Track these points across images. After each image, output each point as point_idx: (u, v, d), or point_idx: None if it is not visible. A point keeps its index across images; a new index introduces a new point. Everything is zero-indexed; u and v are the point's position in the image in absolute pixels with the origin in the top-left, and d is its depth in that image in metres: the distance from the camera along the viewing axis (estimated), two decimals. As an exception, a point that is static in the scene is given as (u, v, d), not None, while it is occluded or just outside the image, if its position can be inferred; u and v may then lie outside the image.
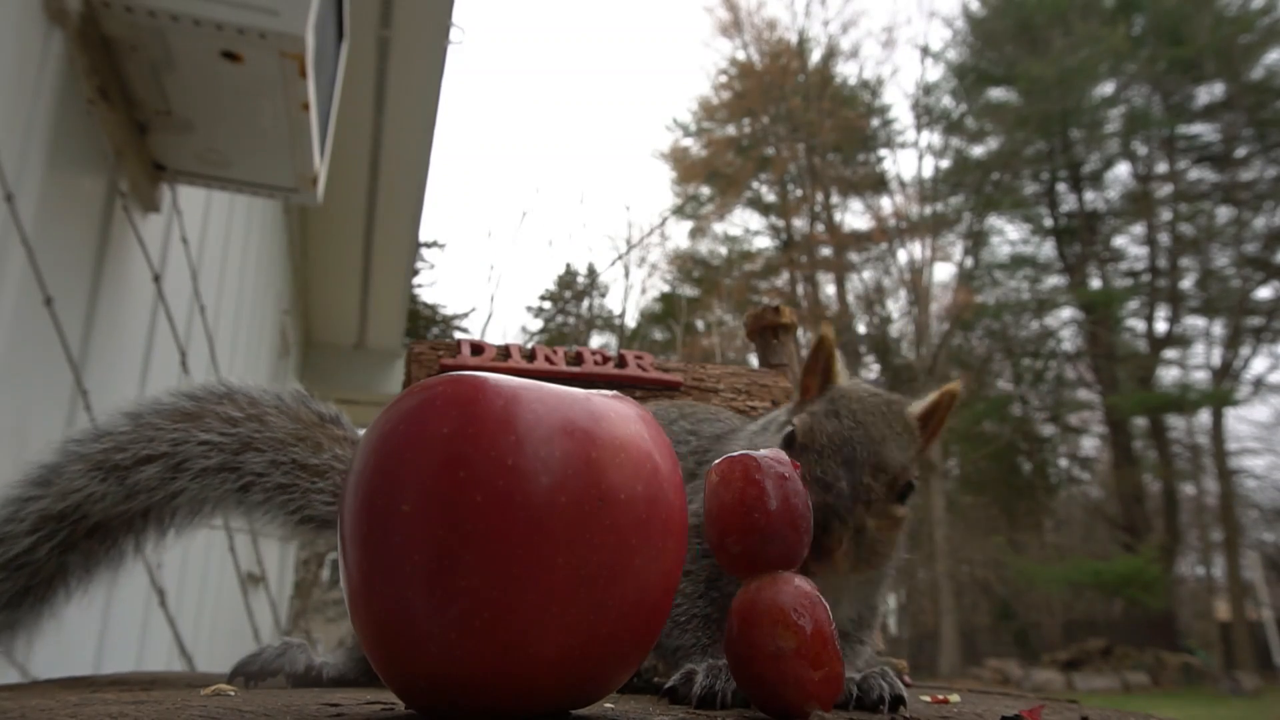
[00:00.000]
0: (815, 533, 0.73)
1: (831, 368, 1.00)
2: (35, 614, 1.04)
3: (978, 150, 28.98)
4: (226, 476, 1.09)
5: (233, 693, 0.79)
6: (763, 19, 31.67)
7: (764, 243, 31.79)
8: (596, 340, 29.59)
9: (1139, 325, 26.90)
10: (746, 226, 32.08)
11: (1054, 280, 28.47)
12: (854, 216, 31.65)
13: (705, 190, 31.21)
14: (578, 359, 1.49)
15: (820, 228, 30.39)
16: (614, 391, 0.64)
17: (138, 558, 1.13)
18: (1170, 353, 25.76)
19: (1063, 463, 29.17)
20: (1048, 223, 28.60)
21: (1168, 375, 25.87)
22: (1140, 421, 25.80)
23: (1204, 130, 25.59)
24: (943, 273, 37.53)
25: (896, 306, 30.11)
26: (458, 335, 22.37)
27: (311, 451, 1.13)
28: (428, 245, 24.09)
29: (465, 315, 25.07)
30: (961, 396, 1.08)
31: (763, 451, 0.69)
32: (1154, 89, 26.20)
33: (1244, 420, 39.89)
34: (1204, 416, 24.18)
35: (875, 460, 0.88)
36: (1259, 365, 27.80)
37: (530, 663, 0.53)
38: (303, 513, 1.12)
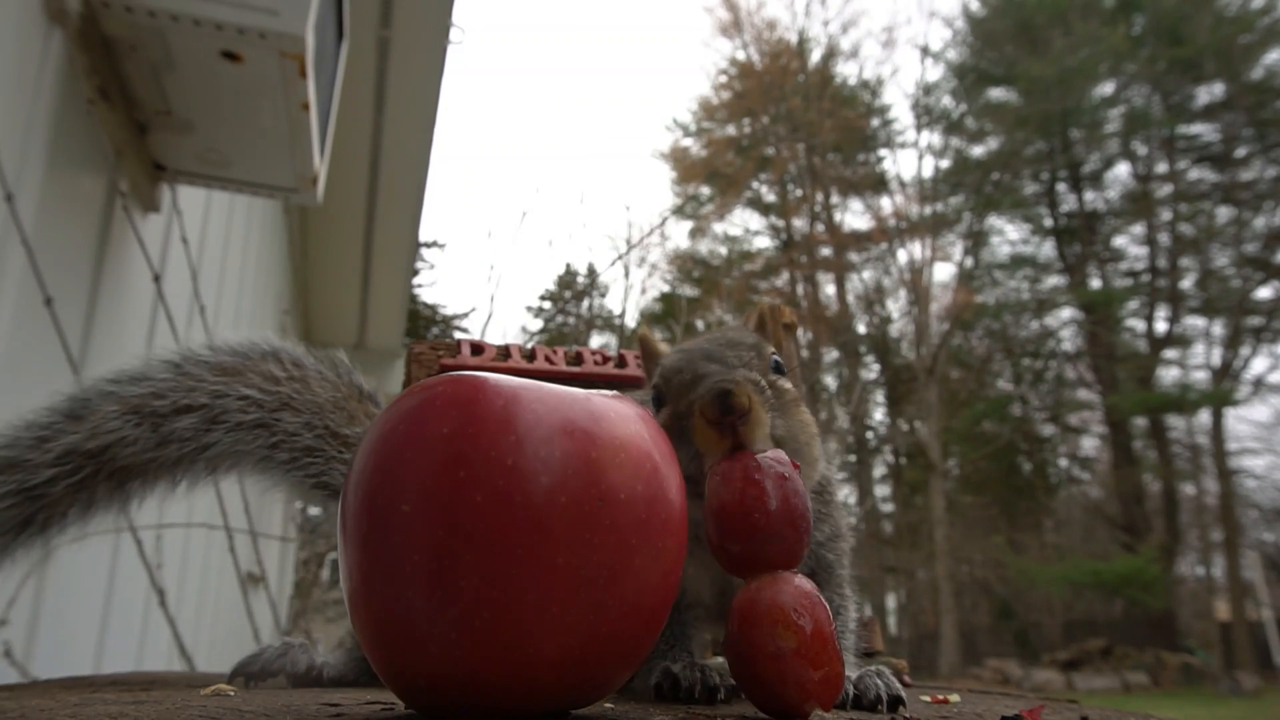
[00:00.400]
0: (717, 410, 0.70)
1: (654, 351, 0.97)
2: (26, 546, 1.02)
3: (978, 150, 29.01)
4: (260, 433, 1.09)
5: (232, 693, 0.79)
6: (763, 19, 31.68)
7: (764, 243, 31.80)
8: (596, 340, 29.61)
9: (1139, 325, 26.94)
10: (746, 226, 32.09)
11: (1054, 280, 28.52)
12: (854, 216, 31.65)
13: (705, 190, 31.20)
14: (578, 359, 1.49)
15: (820, 228, 30.40)
16: (614, 391, 0.64)
17: (139, 507, 1.11)
18: (1170, 353, 25.79)
19: (1063, 463, 29.20)
20: (1048, 223, 28.62)
21: (1168, 375, 25.91)
22: (1140, 421, 25.81)
23: (1204, 130, 25.62)
24: (943, 273, 37.54)
25: (896, 306, 30.13)
26: (458, 335, 22.38)
27: (345, 421, 1.13)
28: (428, 245, 24.11)
29: (465, 315, 25.09)
30: (776, 307, 1.04)
31: (767, 453, 0.69)
32: (1154, 89, 26.20)
33: (1244, 420, 39.90)
34: (1204, 416, 24.21)
35: (728, 344, 0.86)
36: (1259, 365, 27.81)
37: (530, 663, 0.53)
38: (321, 478, 1.12)
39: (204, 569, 3.70)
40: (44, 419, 1.02)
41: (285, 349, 1.16)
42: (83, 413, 1.03)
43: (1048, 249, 28.77)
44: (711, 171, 30.91)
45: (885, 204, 29.74)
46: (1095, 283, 27.40)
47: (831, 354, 30.59)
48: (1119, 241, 27.68)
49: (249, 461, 1.12)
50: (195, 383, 1.07)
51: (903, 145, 31.27)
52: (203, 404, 1.06)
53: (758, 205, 31.55)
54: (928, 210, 28.15)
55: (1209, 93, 25.30)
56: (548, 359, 1.47)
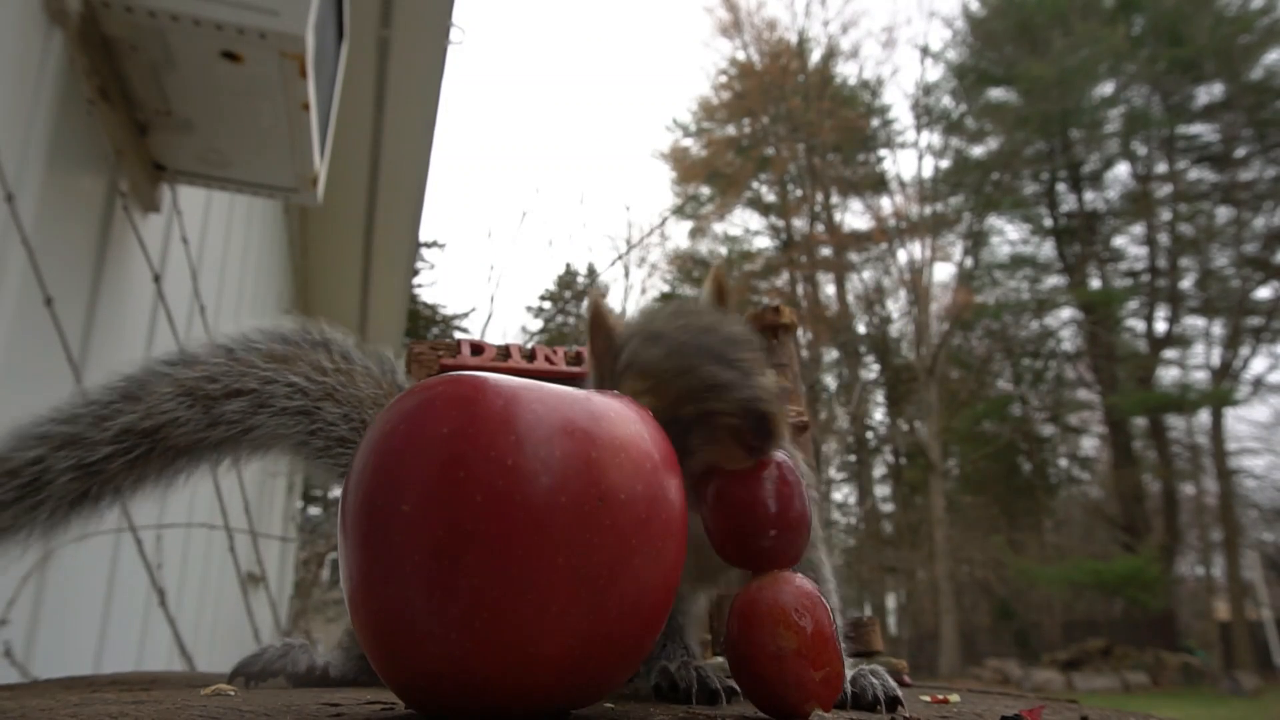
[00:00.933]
0: (756, 436, 0.69)
1: (606, 324, 0.89)
2: (82, 516, 1.08)
3: (978, 150, 29.02)
4: (301, 420, 1.13)
5: (232, 693, 0.79)
6: (763, 19, 31.66)
7: (764, 243, 31.78)
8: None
9: (1139, 325, 26.94)
10: (746, 226, 32.07)
11: (1054, 280, 28.51)
12: (854, 216, 31.65)
13: (705, 190, 31.20)
14: (578, 359, 1.48)
15: (820, 228, 30.40)
16: (614, 391, 0.64)
17: (186, 483, 1.17)
18: (1170, 353, 25.79)
19: (1063, 463, 29.20)
20: (1048, 223, 28.62)
21: (1167, 375, 25.91)
22: (1140, 421, 25.81)
23: (1204, 130, 25.62)
24: (943, 273, 37.51)
25: (896, 306, 30.13)
26: (458, 335, 22.37)
27: None
28: (428, 245, 24.11)
29: (465, 315, 25.10)
30: (723, 272, 0.95)
31: (780, 454, 0.70)
32: (1154, 89, 26.20)
33: (1244, 420, 39.88)
34: (1204, 416, 24.21)
35: (728, 342, 0.78)
36: (1259, 365, 27.78)
37: (530, 663, 0.53)
38: (349, 468, 1.15)
39: (204, 569, 3.70)
40: (104, 397, 1.08)
41: (336, 340, 1.21)
42: (139, 393, 1.08)
43: (1048, 249, 28.80)
44: (711, 171, 30.91)
45: (885, 204, 29.76)
46: (1095, 283, 27.41)
47: (831, 354, 30.59)
48: (1119, 241, 27.72)
49: (287, 444, 1.17)
50: (246, 368, 1.11)
51: (903, 145, 31.29)
52: (252, 389, 1.10)
53: (758, 205, 31.56)
54: (928, 210, 28.16)
55: (1209, 93, 25.33)
56: (548, 359, 1.47)
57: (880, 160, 30.77)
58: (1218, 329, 24.81)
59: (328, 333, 1.21)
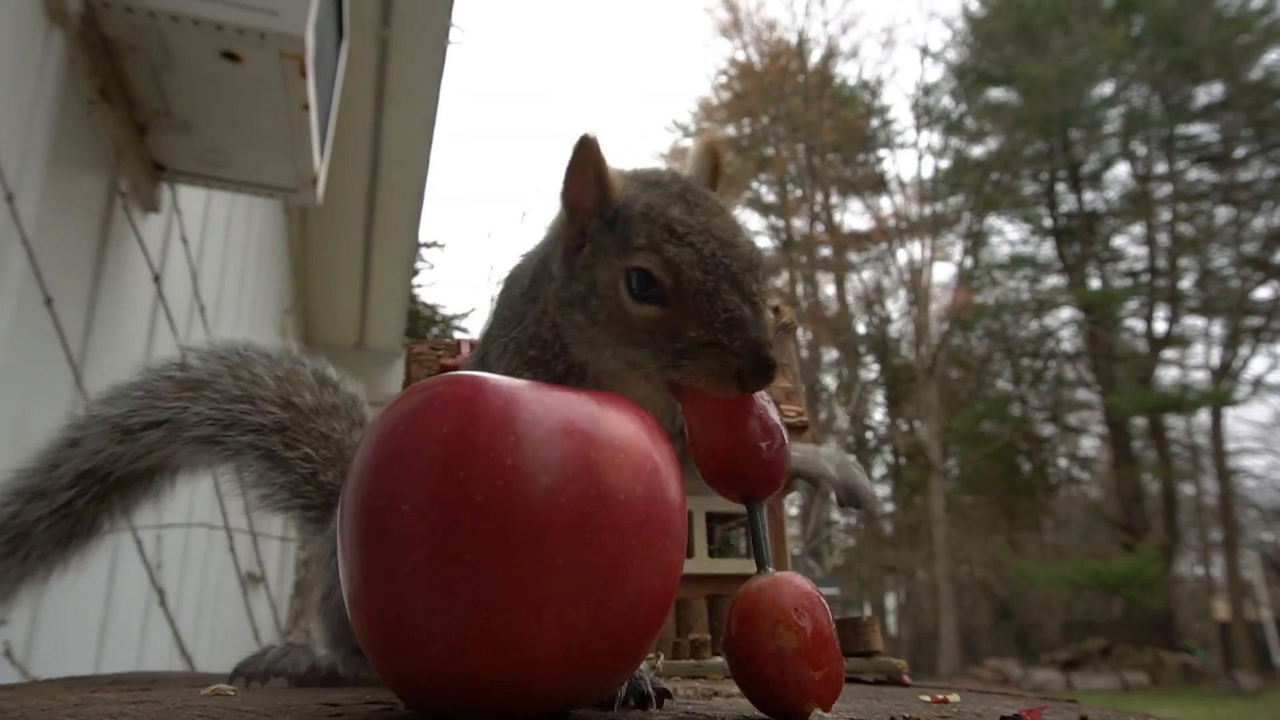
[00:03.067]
0: (759, 382, 0.71)
1: (604, 174, 0.83)
2: (76, 552, 1.20)
3: (977, 150, 29.02)
4: (212, 446, 1.22)
5: (232, 692, 0.79)
6: (762, 19, 31.69)
7: (764, 243, 31.71)
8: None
9: (1138, 325, 26.94)
10: (746, 226, 32.03)
11: (1054, 280, 28.52)
12: (854, 216, 31.69)
13: (705, 190, 31.09)
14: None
15: (820, 228, 30.41)
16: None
17: (155, 504, 1.30)
18: (1170, 353, 25.79)
19: (1062, 463, 29.20)
20: (1047, 223, 28.62)
21: (1167, 375, 25.91)
22: (1140, 421, 25.81)
23: (1203, 130, 25.62)
24: (943, 273, 37.53)
25: (896, 306, 30.13)
26: (458, 335, 22.31)
27: (285, 446, 1.23)
28: (428, 245, 24.03)
29: (465, 315, 25.05)
30: (719, 144, 0.93)
31: (764, 398, 0.74)
32: (1154, 89, 26.21)
33: (1243, 420, 39.91)
34: (1203, 416, 24.22)
35: (746, 266, 0.78)
36: (1258, 365, 27.84)
37: (530, 662, 0.53)
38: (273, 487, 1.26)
39: (204, 569, 3.70)
40: (51, 449, 1.19)
41: (249, 365, 1.26)
42: (78, 437, 1.18)
43: (1047, 249, 28.80)
44: (711, 171, 30.81)
45: (885, 204, 29.77)
46: (1095, 283, 27.41)
47: (831, 354, 30.60)
48: (1118, 241, 27.72)
49: (213, 463, 1.27)
50: (156, 399, 1.20)
51: (902, 145, 31.31)
52: (165, 419, 1.19)
53: (758, 205, 31.56)
54: (927, 210, 28.16)
55: (1208, 93, 25.33)
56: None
57: (880, 160, 30.80)
58: (1217, 329, 24.85)
59: (246, 353, 1.26)
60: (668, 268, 0.76)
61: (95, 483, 1.17)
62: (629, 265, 0.78)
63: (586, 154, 0.83)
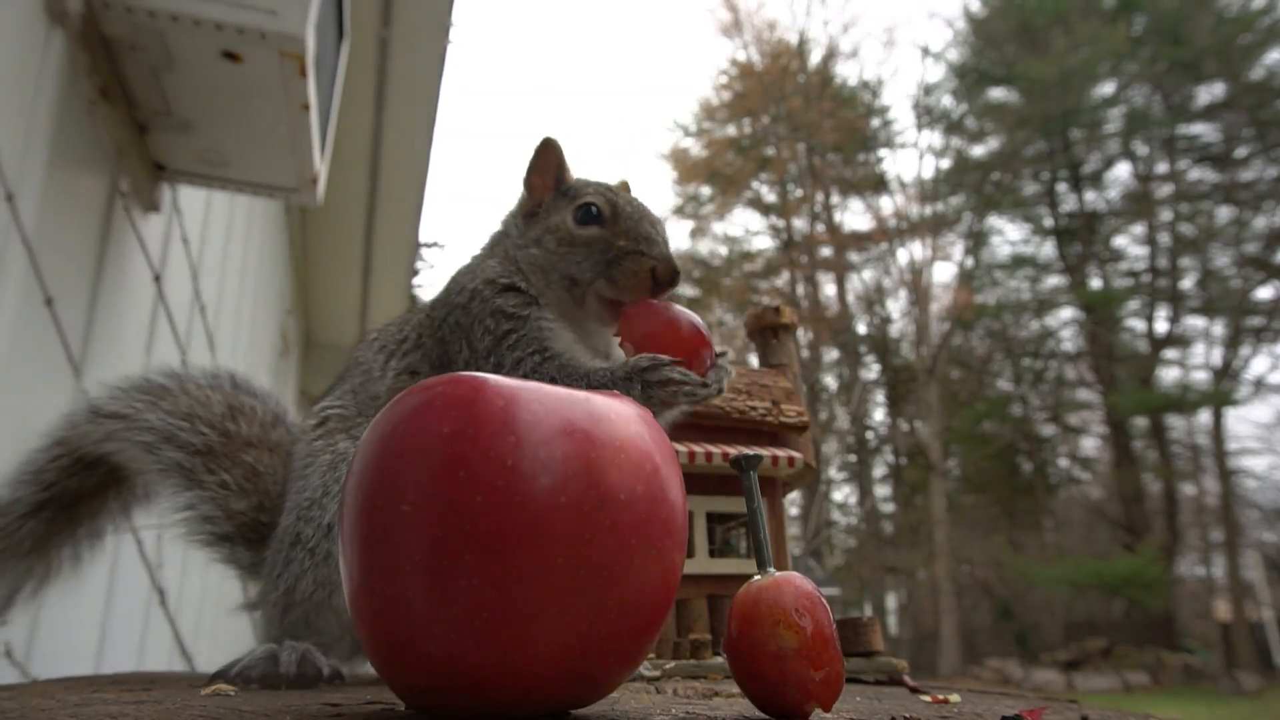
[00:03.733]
0: (670, 281, 1.04)
1: (564, 167, 1.16)
2: (54, 571, 1.36)
3: (978, 150, 29.02)
4: (149, 456, 1.30)
5: (232, 692, 0.79)
6: (763, 19, 31.68)
7: (764, 243, 31.76)
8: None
9: (1139, 325, 26.94)
10: (746, 226, 32.09)
11: (1054, 280, 28.51)
12: (854, 216, 31.75)
13: (705, 190, 31.21)
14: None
15: (820, 228, 30.41)
16: (614, 391, 0.64)
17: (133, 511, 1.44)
18: (1170, 353, 25.79)
19: (1063, 463, 29.19)
20: (1048, 223, 28.62)
21: (1168, 375, 25.91)
22: (1140, 421, 25.81)
23: (1204, 130, 25.61)
24: (943, 273, 37.54)
25: (896, 306, 30.15)
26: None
27: (206, 470, 1.32)
28: (428, 245, 24.08)
29: (465, 315, 25.01)
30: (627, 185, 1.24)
31: (685, 311, 1.01)
32: (1154, 89, 26.20)
33: (1244, 420, 39.91)
34: (1204, 416, 24.22)
35: (656, 223, 1.11)
36: (1259, 365, 27.85)
37: (530, 662, 0.53)
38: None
39: (205, 569, 3.70)
40: (12, 490, 1.29)
41: (219, 390, 1.36)
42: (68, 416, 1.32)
43: (1048, 249, 28.80)
44: (711, 171, 30.92)
45: (885, 204, 29.77)
46: (1095, 283, 27.41)
47: (831, 354, 30.61)
48: (1119, 241, 27.71)
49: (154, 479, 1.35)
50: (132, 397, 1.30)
51: (903, 145, 31.35)
52: (126, 414, 1.29)
53: (758, 205, 31.57)
54: (928, 210, 28.17)
55: (1209, 93, 25.32)
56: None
57: (880, 160, 30.81)
58: (1218, 329, 24.84)
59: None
60: (608, 203, 1.10)
61: (59, 511, 1.29)
62: (579, 203, 1.11)
63: (549, 151, 1.15)
